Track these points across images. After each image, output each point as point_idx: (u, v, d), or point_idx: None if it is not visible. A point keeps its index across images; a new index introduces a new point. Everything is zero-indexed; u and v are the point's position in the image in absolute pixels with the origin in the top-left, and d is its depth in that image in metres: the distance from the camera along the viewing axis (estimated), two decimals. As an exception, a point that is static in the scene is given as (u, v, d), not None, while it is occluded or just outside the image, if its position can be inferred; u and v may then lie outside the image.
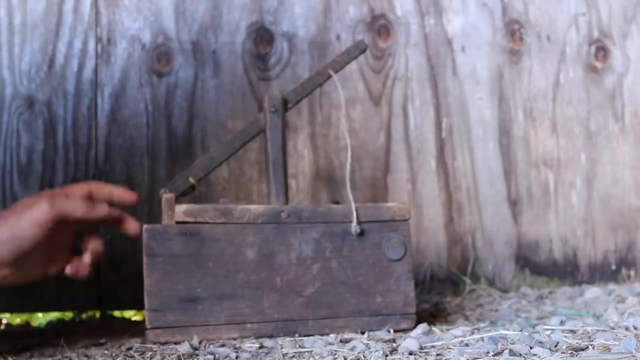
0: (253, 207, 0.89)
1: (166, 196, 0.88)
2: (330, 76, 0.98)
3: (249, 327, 0.87)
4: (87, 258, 0.84)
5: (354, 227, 0.90)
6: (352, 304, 0.90)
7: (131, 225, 0.88)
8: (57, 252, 0.84)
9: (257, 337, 0.87)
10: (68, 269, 0.83)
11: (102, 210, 0.84)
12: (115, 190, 0.88)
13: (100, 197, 0.87)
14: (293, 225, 0.90)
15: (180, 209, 0.87)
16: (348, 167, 0.95)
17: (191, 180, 0.91)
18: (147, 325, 0.85)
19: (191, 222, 0.87)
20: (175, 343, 0.84)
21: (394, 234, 0.92)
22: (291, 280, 0.89)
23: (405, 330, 0.91)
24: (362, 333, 0.88)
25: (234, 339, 0.86)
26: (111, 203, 0.87)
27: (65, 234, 0.84)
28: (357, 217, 0.91)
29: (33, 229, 0.78)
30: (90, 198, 0.86)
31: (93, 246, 0.85)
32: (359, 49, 1.01)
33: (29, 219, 0.78)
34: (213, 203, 0.92)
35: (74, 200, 0.82)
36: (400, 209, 0.93)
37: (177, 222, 0.87)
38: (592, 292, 1.20)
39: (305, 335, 0.87)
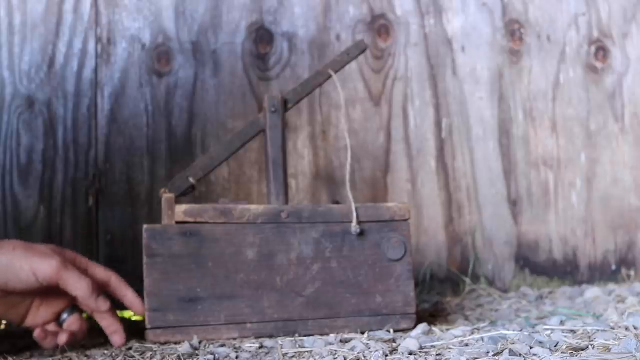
0: (253, 207, 0.89)
1: (166, 196, 0.88)
2: (330, 76, 0.98)
3: (249, 327, 0.87)
4: (62, 337, 0.82)
5: (354, 227, 0.90)
6: (352, 304, 0.90)
7: (135, 308, 0.87)
8: (44, 309, 0.84)
9: (257, 337, 0.87)
10: (36, 332, 0.81)
11: (102, 306, 0.83)
12: (130, 295, 0.87)
13: (115, 294, 0.87)
14: (293, 225, 0.90)
15: (180, 209, 0.87)
16: (348, 167, 0.95)
17: (191, 180, 0.91)
18: (147, 325, 0.85)
19: (191, 222, 0.87)
20: (175, 343, 0.84)
21: (394, 234, 0.92)
22: (291, 280, 0.89)
23: (405, 330, 0.91)
24: (362, 333, 0.88)
25: (234, 339, 0.86)
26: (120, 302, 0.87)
27: (59, 300, 0.84)
28: (357, 217, 0.91)
29: (30, 275, 0.78)
30: (105, 286, 0.86)
31: (75, 328, 0.84)
32: (359, 49, 1.01)
33: (33, 264, 0.78)
34: (213, 203, 0.92)
35: (84, 281, 0.81)
36: (400, 209, 0.93)
37: (177, 222, 0.87)
38: (592, 292, 1.20)
39: (305, 335, 0.87)
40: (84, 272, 0.84)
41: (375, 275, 0.91)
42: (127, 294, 0.87)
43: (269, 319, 0.88)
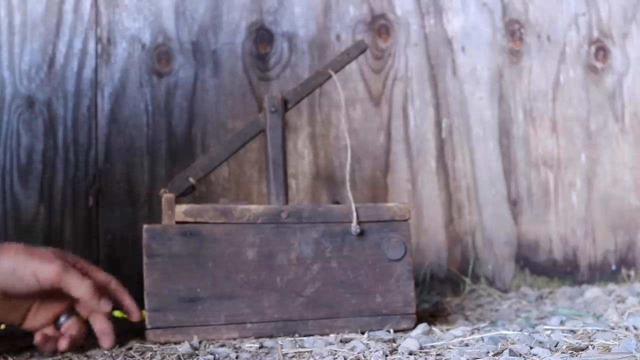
0: (253, 207, 0.89)
1: (166, 196, 0.88)
2: (330, 76, 0.98)
3: (249, 327, 0.87)
4: (63, 342, 0.82)
5: (354, 227, 0.90)
6: (352, 304, 0.90)
7: (132, 314, 0.87)
8: (42, 311, 0.84)
9: (257, 337, 0.87)
10: (37, 338, 0.81)
11: (104, 307, 0.83)
12: (128, 301, 0.87)
13: (113, 298, 0.87)
14: (293, 225, 0.90)
15: (180, 209, 0.87)
16: (348, 167, 0.95)
17: (191, 180, 0.91)
18: (147, 325, 0.85)
19: (191, 222, 0.87)
20: (175, 343, 0.84)
21: (394, 234, 0.92)
22: (291, 280, 0.89)
23: (405, 330, 0.91)
24: (362, 333, 0.88)
25: (234, 339, 0.86)
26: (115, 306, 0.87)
27: (58, 303, 0.84)
28: (357, 217, 0.91)
29: (32, 278, 0.78)
30: (104, 290, 0.86)
31: (74, 332, 0.83)
32: (359, 49, 1.01)
33: (35, 268, 0.78)
34: (213, 203, 0.92)
35: (86, 283, 0.81)
36: (400, 209, 0.93)
37: (177, 222, 0.87)
38: (592, 292, 1.20)
39: (305, 335, 0.87)
40: (85, 275, 0.84)
41: (375, 275, 0.91)
42: (125, 300, 0.87)
43: (269, 319, 0.88)
